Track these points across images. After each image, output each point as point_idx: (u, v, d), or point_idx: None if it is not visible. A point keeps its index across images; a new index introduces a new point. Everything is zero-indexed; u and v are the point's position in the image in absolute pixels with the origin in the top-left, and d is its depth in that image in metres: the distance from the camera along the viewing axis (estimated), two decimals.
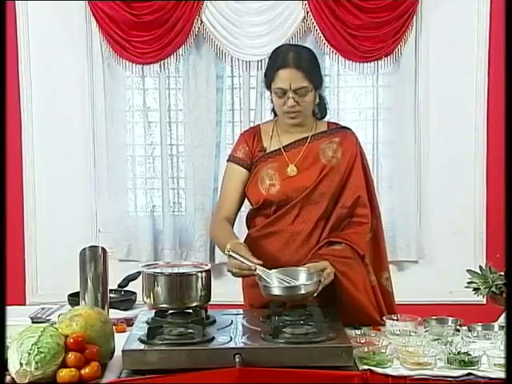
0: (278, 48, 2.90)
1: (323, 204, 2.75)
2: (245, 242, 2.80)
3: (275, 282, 2.48)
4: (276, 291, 2.46)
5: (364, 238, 2.76)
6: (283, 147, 2.82)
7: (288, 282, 2.48)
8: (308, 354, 2.23)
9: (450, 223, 4.69)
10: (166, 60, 4.62)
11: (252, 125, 4.65)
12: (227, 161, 2.93)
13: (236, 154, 2.87)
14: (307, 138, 2.82)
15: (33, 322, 2.63)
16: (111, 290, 2.82)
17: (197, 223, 4.72)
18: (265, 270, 2.50)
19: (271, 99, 2.84)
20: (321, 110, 2.89)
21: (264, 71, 2.86)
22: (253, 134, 2.89)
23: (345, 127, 2.93)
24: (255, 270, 2.50)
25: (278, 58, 2.75)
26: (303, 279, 2.52)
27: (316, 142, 2.82)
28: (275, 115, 2.91)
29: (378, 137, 4.73)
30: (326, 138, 2.83)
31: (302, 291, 2.45)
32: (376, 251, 2.83)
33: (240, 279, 2.88)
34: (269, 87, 2.79)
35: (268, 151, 2.83)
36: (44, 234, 4.78)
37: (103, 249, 2.69)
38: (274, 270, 2.52)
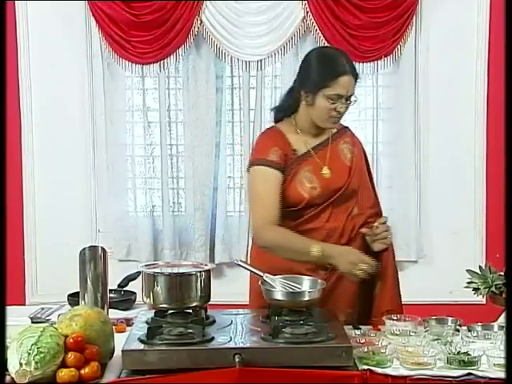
0: (322, 51, 3.00)
1: (352, 202, 2.86)
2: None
3: (279, 286, 2.50)
4: (279, 296, 2.47)
5: None
6: (312, 149, 2.85)
7: (292, 288, 2.50)
8: (308, 354, 2.23)
9: (449, 223, 4.69)
10: (165, 60, 4.62)
11: (252, 125, 4.67)
12: (257, 164, 2.81)
13: (269, 158, 2.79)
14: (328, 139, 2.89)
15: (33, 322, 2.63)
16: (111, 290, 2.83)
17: (197, 223, 4.72)
18: (271, 276, 2.54)
19: (298, 99, 2.81)
20: None
21: (311, 75, 2.77)
22: (279, 136, 2.85)
23: (345, 126, 3.00)
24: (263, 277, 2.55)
25: (335, 64, 2.75)
26: (307, 286, 2.54)
27: (335, 143, 2.90)
28: (282, 116, 2.91)
29: (378, 137, 4.73)
30: (340, 138, 2.92)
31: (306, 298, 2.47)
32: None
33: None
34: (314, 91, 2.74)
35: (299, 153, 2.84)
36: (44, 234, 4.78)
37: (103, 249, 2.69)
38: (278, 276, 2.55)
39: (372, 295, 2.81)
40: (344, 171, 2.86)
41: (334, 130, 2.92)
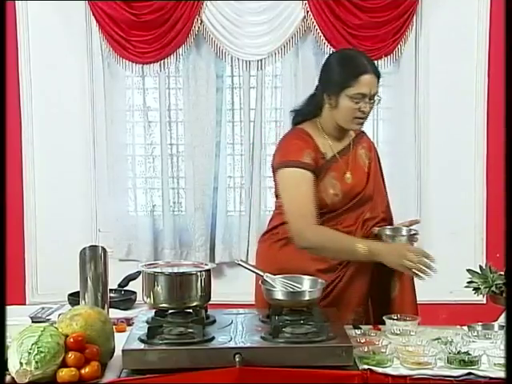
0: (341, 53, 3.02)
1: (367, 207, 2.85)
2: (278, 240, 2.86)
3: (279, 286, 2.51)
4: (279, 295, 2.47)
5: None
6: (337, 154, 2.84)
7: (292, 288, 2.51)
8: (308, 353, 2.23)
9: (449, 223, 4.69)
10: (165, 59, 4.62)
11: (252, 124, 4.67)
12: (292, 166, 2.74)
13: (304, 160, 2.74)
14: (350, 143, 2.89)
15: (33, 322, 2.62)
16: (111, 290, 2.82)
17: (197, 223, 4.72)
18: (272, 276, 2.54)
19: (320, 104, 2.80)
20: None
21: (332, 77, 2.77)
22: (309, 139, 2.81)
23: (362, 131, 2.99)
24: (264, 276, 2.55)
25: (356, 64, 2.75)
26: (307, 286, 2.55)
27: (355, 148, 2.90)
28: (301, 119, 2.87)
29: (378, 136, 4.73)
30: (358, 143, 2.92)
31: (307, 297, 2.47)
32: None
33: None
34: (337, 92, 2.73)
35: (327, 158, 2.82)
36: (44, 233, 4.78)
37: (103, 248, 2.69)
38: (279, 276, 2.56)
39: (390, 297, 2.82)
40: (363, 177, 2.87)
41: (354, 135, 2.92)
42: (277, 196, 2.90)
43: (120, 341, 2.31)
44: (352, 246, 2.65)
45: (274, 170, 2.82)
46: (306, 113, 2.88)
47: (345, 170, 2.83)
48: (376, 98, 2.77)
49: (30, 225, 4.79)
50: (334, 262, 2.79)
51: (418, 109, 4.67)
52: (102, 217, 4.80)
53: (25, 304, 4.48)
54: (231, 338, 2.31)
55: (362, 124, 2.82)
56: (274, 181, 2.86)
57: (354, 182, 2.84)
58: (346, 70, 2.76)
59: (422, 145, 4.71)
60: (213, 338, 2.29)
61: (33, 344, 2.12)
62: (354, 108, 2.73)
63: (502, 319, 2.62)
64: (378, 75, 2.77)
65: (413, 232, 2.86)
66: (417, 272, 2.61)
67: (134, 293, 2.98)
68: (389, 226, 2.89)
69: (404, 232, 2.86)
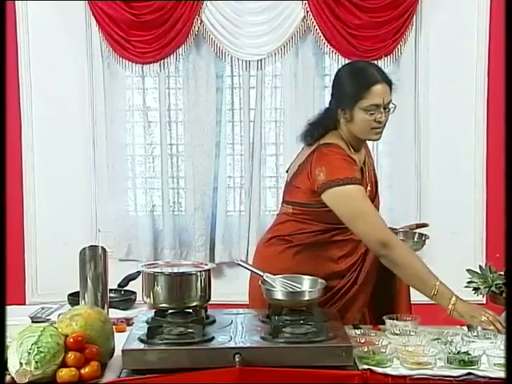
0: (350, 66, 2.93)
1: None
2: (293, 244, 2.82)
3: (279, 286, 2.51)
4: (279, 295, 2.47)
5: None
6: (363, 166, 2.83)
7: (292, 288, 2.51)
8: (308, 353, 2.23)
9: (449, 223, 4.69)
10: (165, 59, 4.62)
11: (252, 124, 4.67)
12: (350, 184, 2.64)
13: (357, 176, 2.70)
14: (365, 153, 2.87)
15: (33, 322, 2.62)
16: (111, 290, 2.83)
17: (197, 223, 4.72)
18: (271, 276, 2.54)
19: (336, 118, 2.75)
20: None
21: (344, 91, 2.73)
22: (347, 154, 2.75)
23: None
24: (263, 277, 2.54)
25: (366, 75, 2.71)
26: (307, 286, 2.55)
27: (366, 157, 2.88)
28: (323, 132, 2.79)
29: None
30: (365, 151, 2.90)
31: (306, 297, 2.47)
32: None
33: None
34: (350, 106, 2.69)
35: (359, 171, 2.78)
36: (44, 233, 4.78)
37: (103, 248, 2.69)
38: (279, 276, 2.55)
39: (392, 296, 2.85)
40: (374, 187, 2.86)
41: None
42: (291, 203, 2.82)
43: (120, 341, 2.31)
44: (431, 281, 2.57)
45: (325, 188, 2.66)
46: (326, 125, 2.80)
47: (367, 183, 2.81)
48: (391, 105, 2.72)
49: (30, 225, 4.80)
50: (345, 267, 2.78)
51: (418, 109, 4.68)
52: (102, 217, 4.80)
53: (25, 304, 4.48)
54: (231, 338, 2.31)
55: (380, 133, 2.76)
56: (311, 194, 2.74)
57: (369, 193, 2.80)
58: (356, 83, 2.71)
59: (422, 145, 4.71)
60: (213, 338, 2.29)
61: (33, 344, 2.13)
62: (369, 120, 2.69)
63: (501, 319, 2.61)
64: (389, 83, 2.72)
65: (423, 237, 2.87)
66: (490, 325, 2.51)
67: (134, 293, 2.98)
68: (400, 230, 2.90)
69: (415, 236, 2.88)
